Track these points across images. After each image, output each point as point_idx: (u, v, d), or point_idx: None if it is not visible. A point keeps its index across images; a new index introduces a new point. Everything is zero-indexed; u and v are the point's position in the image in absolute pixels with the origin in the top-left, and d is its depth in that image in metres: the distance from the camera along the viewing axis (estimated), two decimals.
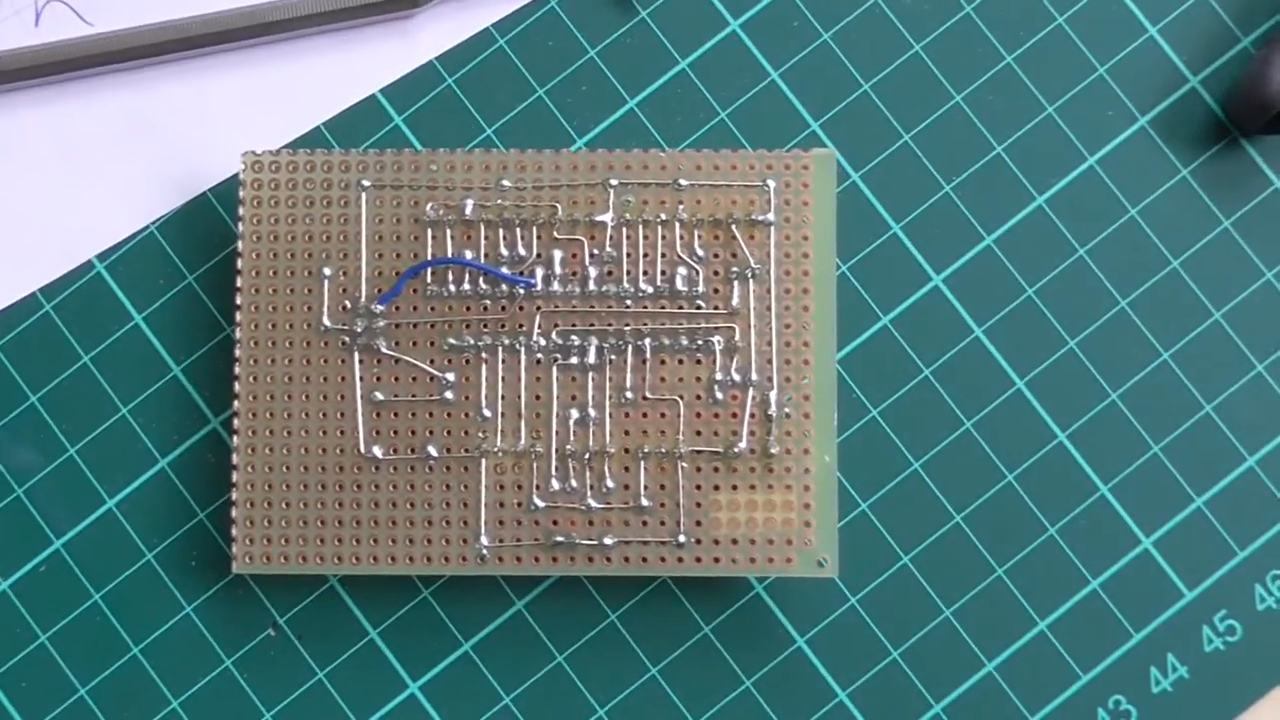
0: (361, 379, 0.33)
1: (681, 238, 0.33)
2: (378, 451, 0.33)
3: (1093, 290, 0.35)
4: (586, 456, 0.32)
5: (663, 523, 0.32)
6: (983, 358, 0.35)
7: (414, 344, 0.33)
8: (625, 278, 0.33)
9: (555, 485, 0.32)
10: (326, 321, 0.33)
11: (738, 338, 0.33)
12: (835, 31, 0.35)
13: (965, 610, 0.34)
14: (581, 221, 0.33)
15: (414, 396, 0.33)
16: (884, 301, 0.35)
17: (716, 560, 0.32)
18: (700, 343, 0.33)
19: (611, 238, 0.33)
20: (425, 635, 0.34)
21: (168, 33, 0.35)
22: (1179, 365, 0.35)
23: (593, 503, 0.32)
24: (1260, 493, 0.34)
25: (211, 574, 0.34)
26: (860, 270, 0.35)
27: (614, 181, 0.33)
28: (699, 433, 0.32)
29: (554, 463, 0.32)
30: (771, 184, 0.33)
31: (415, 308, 0.33)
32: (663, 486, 0.32)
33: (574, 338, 0.33)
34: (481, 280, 0.33)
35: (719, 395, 0.32)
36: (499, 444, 0.33)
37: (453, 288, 0.33)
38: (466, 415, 0.33)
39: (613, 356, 0.33)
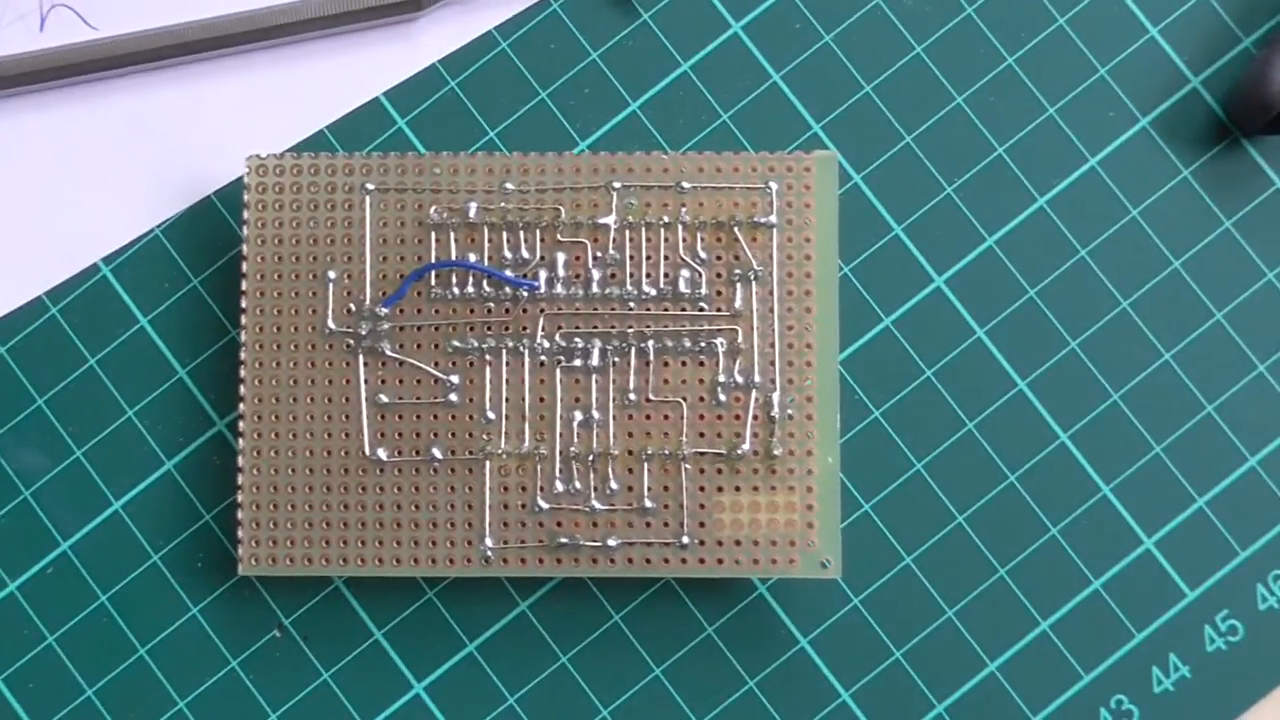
0: (366, 381, 0.33)
1: (684, 240, 0.33)
2: (382, 454, 0.33)
3: (1094, 291, 0.35)
4: (590, 458, 0.33)
5: (666, 524, 0.32)
6: (984, 358, 0.35)
7: (418, 346, 0.33)
8: (628, 280, 0.33)
9: (559, 487, 0.33)
10: (331, 324, 0.33)
11: (740, 339, 0.33)
12: (837, 33, 0.36)
13: (968, 610, 0.34)
14: (584, 224, 0.33)
15: (418, 399, 0.33)
16: (886, 303, 0.35)
17: (720, 561, 0.32)
18: (703, 345, 0.33)
19: (614, 240, 0.33)
20: (430, 636, 0.34)
21: (172, 37, 0.35)
22: (1180, 366, 0.35)
23: (596, 504, 0.32)
24: (1262, 493, 0.34)
25: (217, 575, 0.34)
26: (862, 272, 0.35)
27: (617, 184, 0.33)
28: (702, 434, 0.33)
29: (558, 464, 0.33)
30: (774, 186, 0.33)
31: (419, 310, 0.33)
32: (666, 488, 0.32)
33: (577, 340, 0.33)
34: (485, 283, 0.33)
35: (722, 397, 0.33)
36: (503, 446, 0.33)
37: (456, 290, 0.33)
38: (471, 417, 0.33)
39: (616, 359, 0.33)
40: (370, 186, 0.33)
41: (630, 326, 0.33)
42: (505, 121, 0.35)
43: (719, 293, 0.33)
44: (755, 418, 0.33)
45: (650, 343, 0.33)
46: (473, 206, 0.33)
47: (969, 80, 0.35)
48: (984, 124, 0.35)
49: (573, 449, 0.33)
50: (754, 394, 0.33)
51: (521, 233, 0.33)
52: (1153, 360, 0.35)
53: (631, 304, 0.33)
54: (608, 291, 0.33)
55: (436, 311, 0.33)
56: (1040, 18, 0.36)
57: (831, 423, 0.33)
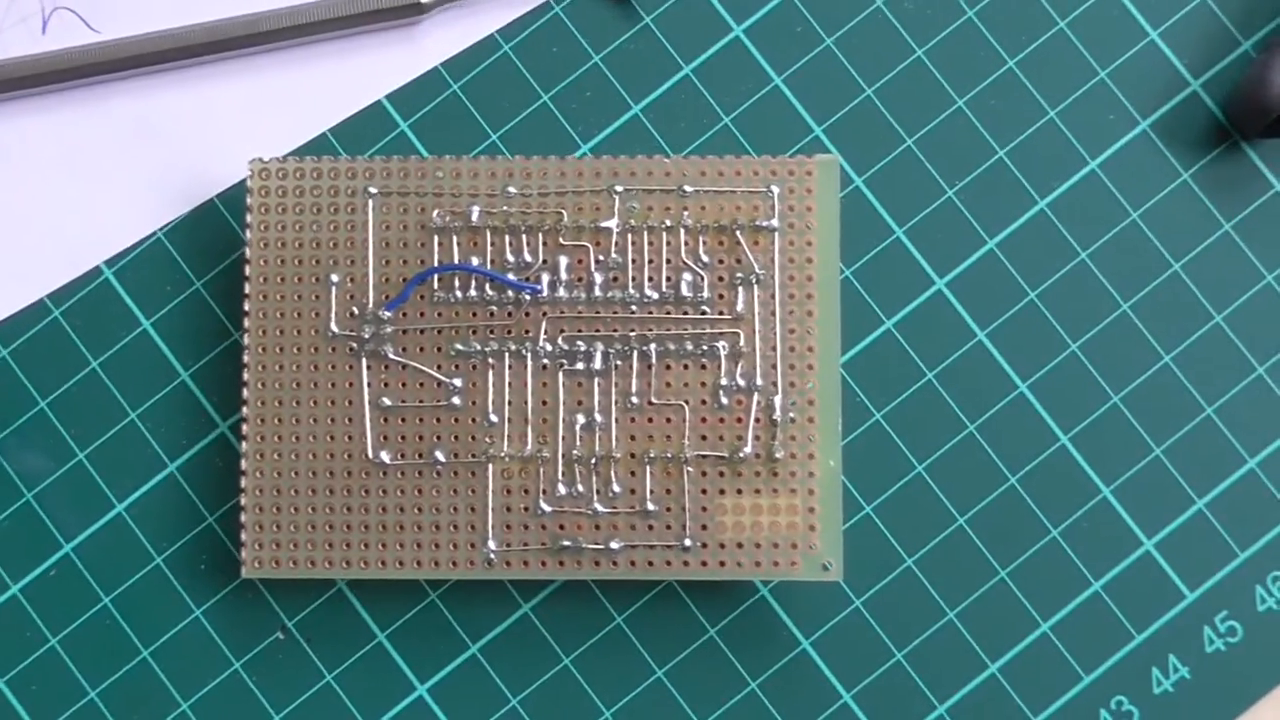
0: (369, 384, 0.33)
1: (686, 243, 0.33)
2: (385, 456, 0.33)
3: (1094, 293, 0.35)
4: (593, 461, 0.33)
5: (668, 527, 0.33)
6: (985, 361, 0.35)
7: (421, 350, 0.33)
8: (630, 284, 0.33)
9: (562, 490, 0.33)
10: (334, 327, 0.33)
11: (742, 343, 0.33)
12: (838, 37, 0.36)
13: (968, 612, 0.34)
14: (587, 228, 0.33)
15: (421, 402, 0.33)
16: (887, 306, 0.35)
17: (722, 564, 0.32)
18: (705, 348, 0.33)
19: (616, 244, 0.33)
20: (433, 638, 0.34)
21: (174, 40, 0.35)
22: (1180, 368, 0.35)
23: (599, 507, 0.33)
24: (1261, 494, 0.34)
25: (220, 577, 0.34)
26: (864, 275, 0.35)
27: (619, 188, 0.33)
28: (704, 437, 0.33)
29: (560, 468, 0.33)
30: (775, 190, 0.33)
31: (422, 314, 0.33)
32: (668, 491, 0.33)
33: (580, 343, 0.33)
34: (488, 286, 0.33)
35: (724, 400, 0.33)
36: (506, 449, 0.33)
37: (459, 294, 0.33)
38: (473, 421, 0.33)
39: (618, 362, 0.33)
40: (373, 190, 0.33)
41: (632, 330, 0.33)
42: (507, 125, 0.35)
43: (721, 296, 0.33)
44: (757, 420, 0.33)
45: (652, 346, 0.33)
46: (475, 210, 0.33)
47: (970, 83, 0.36)
48: (984, 127, 0.35)
49: (575, 452, 0.33)
50: (755, 397, 0.33)
51: (524, 236, 0.33)
52: (1153, 362, 0.35)
53: (633, 307, 0.33)
54: (610, 295, 0.33)
55: (439, 315, 0.33)
56: (1041, 21, 0.36)
57: (833, 425, 0.33)
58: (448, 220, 0.33)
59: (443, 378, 0.33)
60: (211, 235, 0.35)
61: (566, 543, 0.32)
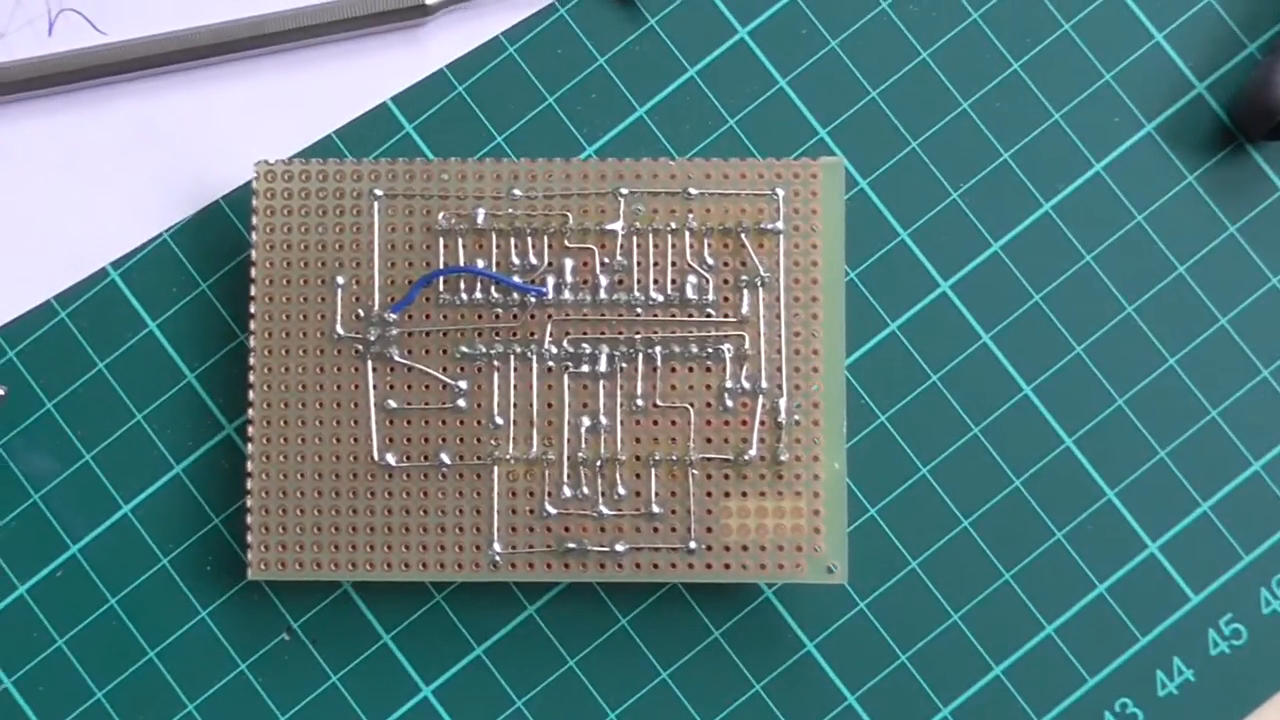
0: (375, 387, 0.33)
1: (691, 246, 0.33)
2: (391, 459, 0.33)
3: (1099, 296, 0.35)
4: (598, 464, 0.33)
5: (673, 529, 0.33)
6: (990, 364, 0.35)
7: (426, 352, 0.33)
8: (635, 286, 0.33)
9: (567, 492, 0.33)
10: (340, 329, 0.33)
11: (747, 345, 0.33)
12: (843, 39, 0.36)
13: (973, 614, 0.34)
14: (592, 230, 0.33)
15: (427, 404, 0.33)
16: (892, 308, 0.35)
17: (727, 566, 0.33)
18: (710, 351, 0.33)
19: (622, 246, 0.33)
20: (438, 640, 0.34)
21: (180, 42, 0.35)
22: (1185, 371, 0.35)
23: (604, 509, 0.33)
24: (1266, 497, 0.34)
25: (226, 579, 0.35)
26: (868, 277, 0.35)
27: (624, 190, 0.33)
28: (709, 440, 0.33)
29: (566, 470, 0.33)
30: (780, 192, 0.33)
31: (428, 316, 0.33)
32: (673, 493, 0.33)
33: (585, 346, 0.33)
34: (493, 289, 0.33)
35: (729, 403, 0.33)
36: (511, 451, 0.33)
37: (465, 296, 0.33)
38: (479, 423, 0.33)
39: (623, 364, 0.33)
40: (379, 192, 0.33)
41: (637, 332, 0.33)
42: (513, 127, 0.35)
43: (726, 299, 0.33)
44: (762, 423, 0.33)
45: (657, 348, 0.33)
46: (480, 212, 0.33)
47: (974, 86, 0.36)
48: (989, 129, 0.35)
49: (580, 454, 0.33)
50: (760, 399, 0.33)
51: (529, 238, 0.33)
52: (1157, 365, 0.35)
53: (639, 310, 0.33)
54: (615, 297, 0.33)
55: (445, 317, 0.33)
56: (1046, 23, 0.36)
57: (838, 428, 0.33)
58: (453, 222, 0.33)
59: (448, 380, 0.33)
60: (217, 237, 0.35)
61: (571, 545, 0.33)
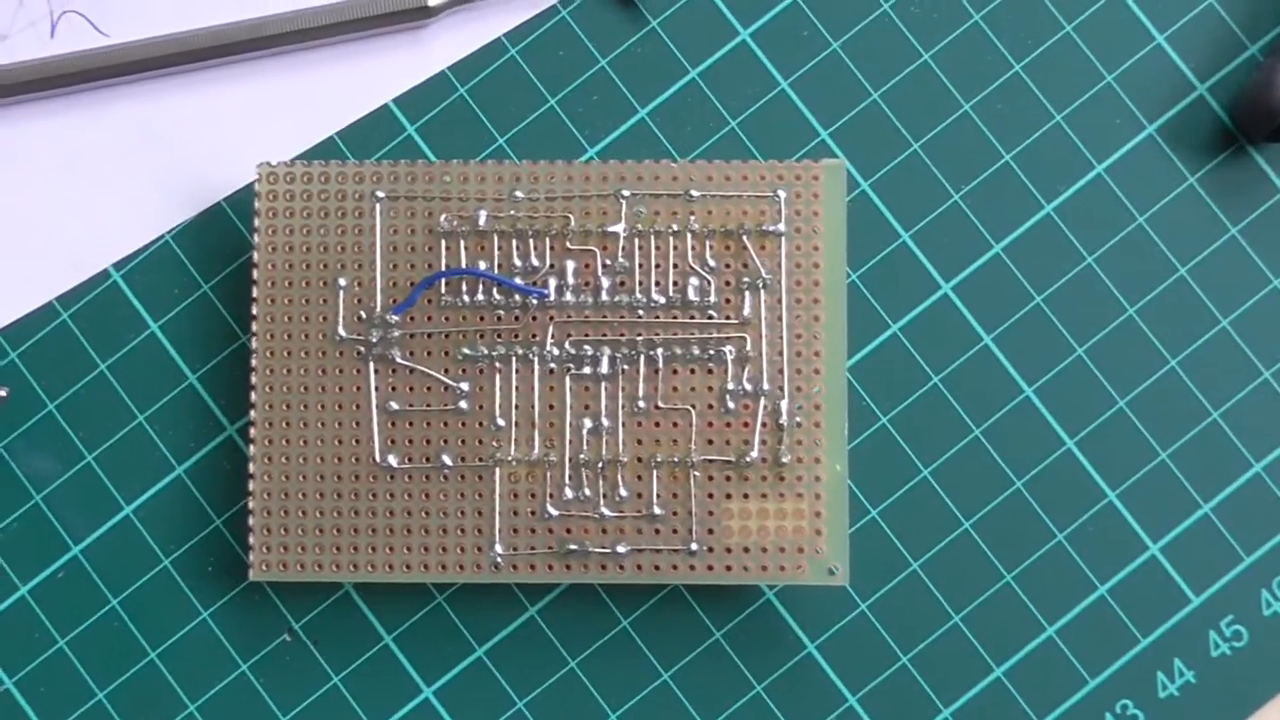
0: (377, 388, 0.33)
1: (693, 248, 0.33)
2: (393, 460, 0.33)
3: (1101, 298, 0.35)
4: (600, 465, 0.33)
5: (675, 531, 0.33)
6: (991, 365, 0.35)
7: (428, 354, 0.33)
8: (637, 288, 0.33)
9: (569, 494, 0.33)
10: (342, 331, 0.33)
11: (749, 347, 0.33)
12: (845, 40, 0.36)
13: (974, 616, 0.34)
14: (594, 232, 0.33)
15: (428, 406, 0.33)
16: (893, 310, 0.35)
17: (728, 568, 0.33)
18: (712, 352, 0.33)
19: (623, 248, 0.33)
20: (439, 641, 0.34)
21: (182, 44, 0.35)
22: (1186, 372, 0.35)
23: (606, 511, 0.33)
24: (1267, 499, 0.34)
25: (228, 580, 0.35)
26: (870, 279, 0.35)
27: (626, 192, 0.33)
28: (711, 442, 0.33)
29: (567, 471, 0.33)
30: (782, 194, 0.33)
31: (430, 318, 0.33)
32: (675, 495, 0.33)
33: (587, 348, 0.33)
34: (495, 291, 0.33)
35: (730, 404, 0.33)
36: (513, 453, 0.33)
37: (466, 298, 0.33)
38: (480, 424, 0.33)
39: (625, 366, 0.33)
40: (380, 194, 0.33)
41: (639, 334, 0.33)
42: (514, 128, 0.36)
43: (727, 300, 0.33)
44: (764, 425, 0.33)
45: (659, 350, 0.33)
46: (482, 214, 0.33)
47: (976, 87, 0.36)
48: (991, 131, 0.35)
49: (582, 456, 0.33)
50: (762, 401, 0.33)
51: (531, 240, 0.33)
52: (1159, 367, 0.35)
53: (640, 312, 0.33)
54: (617, 299, 0.33)
55: (446, 319, 0.33)
56: (1047, 25, 0.36)
57: (839, 430, 0.33)
58: (455, 224, 0.33)
59: (450, 381, 0.33)
60: (219, 239, 0.35)
61: (573, 546, 0.33)
